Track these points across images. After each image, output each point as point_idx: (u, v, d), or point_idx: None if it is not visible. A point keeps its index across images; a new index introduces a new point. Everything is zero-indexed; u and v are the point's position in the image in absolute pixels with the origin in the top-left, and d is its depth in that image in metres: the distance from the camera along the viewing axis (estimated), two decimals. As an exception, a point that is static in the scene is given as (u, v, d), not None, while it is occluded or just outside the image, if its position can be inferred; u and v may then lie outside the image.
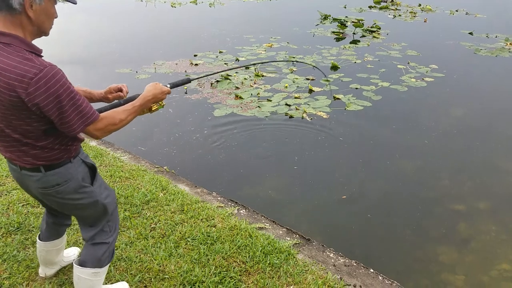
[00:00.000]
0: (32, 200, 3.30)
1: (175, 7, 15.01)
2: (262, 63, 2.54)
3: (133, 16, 13.99)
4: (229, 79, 7.10)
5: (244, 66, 2.79)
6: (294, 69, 7.78)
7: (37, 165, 1.72)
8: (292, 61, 3.17)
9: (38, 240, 2.30)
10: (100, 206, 1.96)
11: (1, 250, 2.72)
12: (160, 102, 1.98)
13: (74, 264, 2.07)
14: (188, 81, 2.17)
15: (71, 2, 1.70)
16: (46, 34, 1.67)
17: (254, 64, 2.77)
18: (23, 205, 3.24)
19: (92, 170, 1.95)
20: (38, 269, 2.53)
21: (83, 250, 2.09)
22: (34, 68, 1.48)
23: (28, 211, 3.16)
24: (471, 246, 3.31)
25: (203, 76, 2.41)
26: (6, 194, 3.39)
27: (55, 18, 1.67)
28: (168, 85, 2.01)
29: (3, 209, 3.17)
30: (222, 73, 2.66)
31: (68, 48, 9.06)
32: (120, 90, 2.09)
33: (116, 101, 2.01)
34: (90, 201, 1.91)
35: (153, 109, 1.97)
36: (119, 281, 2.49)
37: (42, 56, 1.61)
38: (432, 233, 3.46)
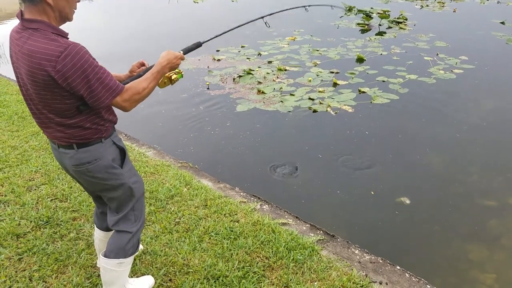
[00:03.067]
0: (60, 194, 3.38)
1: (197, 2, 15.08)
2: (271, 14, 2.41)
3: (155, 12, 14.13)
4: (252, 73, 7.07)
5: (250, 22, 2.61)
6: (318, 62, 7.67)
7: (70, 143, 1.85)
8: (304, 6, 2.97)
9: (95, 227, 2.38)
10: (127, 189, 2.03)
11: (31, 243, 2.80)
12: (177, 71, 2.05)
13: (100, 255, 2.11)
14: (199, 45, 2.25)
15: None
16: (70, 19, 1.77)
17: (262, 17, 2.64)
18: (51, 200, 3.32)
19: (123, 153, 2.03)
20: (96, 260, 2.55)
21: (108, 241, 2.13)
22: (60, 47, 1.60)
23: (56, 206, 3.24)
24: (502, 243, 3.19)
25: (213, 38, 2.40)
26: (35, 189, 3.49)
27: (77, 2, 1.77)
28: (181, 51, 2.09)
29: (33, 204, 3.26)
30: (234, 30, 2.57)
31: (89, 45, 9.24)
32: (143, 64, 2.17)
33: (135, 74, 2.08)
34: (118, 182, 1.98)
35: (173, 78, 2.05)
36: (144, 274, 2.52)
37: (68, 38, 1.70)
38: (461, 229, 3.35)
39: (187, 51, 2.16)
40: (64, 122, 1.79)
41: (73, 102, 1.74)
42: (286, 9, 2.99)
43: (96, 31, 10.60)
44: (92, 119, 1.83)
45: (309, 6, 2.94)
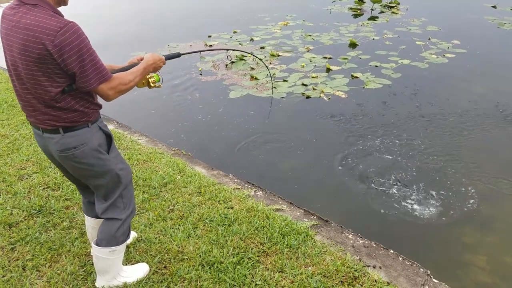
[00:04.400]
0: (52, 183, 3.35)
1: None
2: (234, 50, 2.71)
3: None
4: (244, 59, 7.01)
5: (224, 49, 2.98)
6: (311, 47, 7.62)
7: (56, 127, 1.84)
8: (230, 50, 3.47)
9: (85, 216, 2.38)
10: (114, 176, 2.03)
11: (23, 232, 2.78)
12: (154, 75, 2.15)
13: (92, 244, 2.10)
14: (178, 55, 2.36)
15: None
16: (66, 3, 1.84)
17: (227, 50, 2.95)
18: (43, 189, 3.29)
19: (109, 139, 2.03)
20: (90, 249, 2.56)
21: (99, 229, 2.13)
22: (60, 23, 1.65)
23: (48, 195, 3.21)
24: (494, 227, 3.23)
25: (191, 52, 2.61)
26: (27, 178, 3.45)
27: None
28: (163, 56, 2.20)
29: (25, 193, 3.23)
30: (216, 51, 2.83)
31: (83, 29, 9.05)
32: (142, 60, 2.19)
33: (120, 67, 2.13)
34: (105, 169, 1.98)
35: (150, 80, 2.13)
36: (139, 262, 2.52)
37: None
38: (453, 213, 3.39)
39: (168, 58, 2.27)
40: (51, 104, 1.79)
41: (63, 81, 1.75)
42: (218, 50, 3.48)
43: (82, 16, 10.39)
44: (78, 101, 1.84)
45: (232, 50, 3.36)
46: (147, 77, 2.11)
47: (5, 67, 6.64)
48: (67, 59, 1.67)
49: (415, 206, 3.48)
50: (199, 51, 3.09)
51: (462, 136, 4.52)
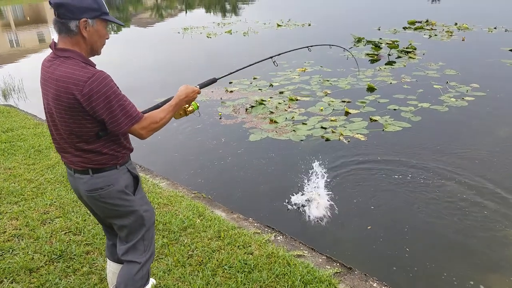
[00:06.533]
0: (74, 227, 3.38)
1: (210, 37, 15.45)
2: (279, 54, 2.67)
3: (171, 46, 14.52)
4: (264, 103, 7.13)
5: (260, 61, 2.90)
6: (329, 92, 7.72)
7: (86, 168, 1.92)
8: (307, 47, 3.27)
9: (107, 260, 2.38)
10: (138, 217, 2.06)
11: (43, 278, 2.78)
12: (193, 104, 2.18)
13: (111, 290, 2.08)
14: (215, 80, 2.40)
15: (119, 24, 2.01)
16: (98, 53, 1.94)
17: (271, 57, 2.90)
18: (65, 233, 3.32)
19: (136, 180, 2.08)
20: None
21: (118, 273, 2.13)
22: (88, 73, 1.74)
23: (70, 239, 3.23)
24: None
25: (227, 75, 2.63)
26: (49, 222, 3.49)
27: (107, 39, 1.94)
28: (198, 86, 2.22)
29: (47, 237, 3.26)
30: (247, 68, 2.82)
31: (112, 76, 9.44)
32: None
33: (154, 105, 2.17)
34: (129, 209, 2.02)
35: (188, 110, 2.16)
36: (157, 310, 2.47)
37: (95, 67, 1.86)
38: (479, 260, 3.23)
39: (203, 86, 2.28)
40: (83, 147, 1.87)
41: (94, 126, 1.83)
42: (293, 50, 3.25)
43: (115, 64, 10.88)
44: (109, 145, 1.92)
45: (311, 46, 3.26)
46: (183, 107, 2.13)
47: (33, 113, 6.97)
48: (95, 107, 1.75)
49: (440, 256, 3.33)
50: (236, 71, 2.76)
51: (490, 179, 4.39)
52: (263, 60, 2.94)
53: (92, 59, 1.91)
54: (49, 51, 1.90)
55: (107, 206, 1.98)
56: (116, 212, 2.01)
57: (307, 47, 3.22)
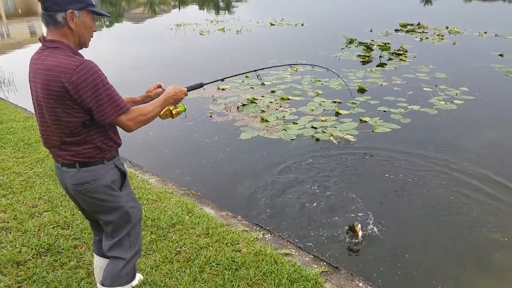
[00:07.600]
0: (62, 222, 3.37)
1: (203, 34, 15.42)
2: (262, 69, 2.75)
3: (163, 43, 14.46)
4: (255, 102, 7.16)
5: (244, 73, 3.00)
6: (320, 92, 7.77)
7: (73, 161, 1.92)
8: (292, 65, 3.48)
9: (94, 255, 2.38)
10: (124, 213, 2.06)
11: (31, 271, 2.77)
12: (180, 105, 2.22)
13: (98, 285, 2.09)
14: (202, 85, 2.48)
15: (105, 15, 2.04)
16: (86, 45, 1.96)
17: (255, 70, 2.96)
18: (53, 227, 3.31)
19: (123, 176, 2.08)
20: None
21: (104, 268, 2.13)
22: (76, 62, 1.77)
23: (58, 233, 3.22)
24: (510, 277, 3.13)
25: (214, 81, 2.73)
26: (38, 216, 3.48)
27: (94, 31, 1.96)
28: (185, 88, 2.26)
29: (35, 231, 3.25)
30: (230, 77, 2.87)
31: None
32: (159, 86, 2.34)
33: (152, 95, 2.27)
34: (115, 205, 2.02)
35: (174, 112, 2.19)
36: (144, 305, 2.48)
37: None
38: (468, 262, 3.30)
39: (190, 89, 2.34)
40: (70, 139, 1.88)
41: (82, 116, 1.84)
42: (276, 66, 3.51)
43: (105, 59, 10.81)
44: (96, 137, 1.92)
45: (295, 64, 3.39)
46: (171, 108, 2.17)
47: (23, 106, 6.91)
48: (83, 95, 1.76)
49: (429, 255, 3.40)
50: (222, 79, 2.79)
51: (479, 182, 4.47)
52: (248, 72, 3.09)
53: (81, 52, 1.92)
54: (39, 45, 1.90)
55: (93, 201, 1.99)
56: (101, 207, 2.01)
57: (290, 65, 3.45)
